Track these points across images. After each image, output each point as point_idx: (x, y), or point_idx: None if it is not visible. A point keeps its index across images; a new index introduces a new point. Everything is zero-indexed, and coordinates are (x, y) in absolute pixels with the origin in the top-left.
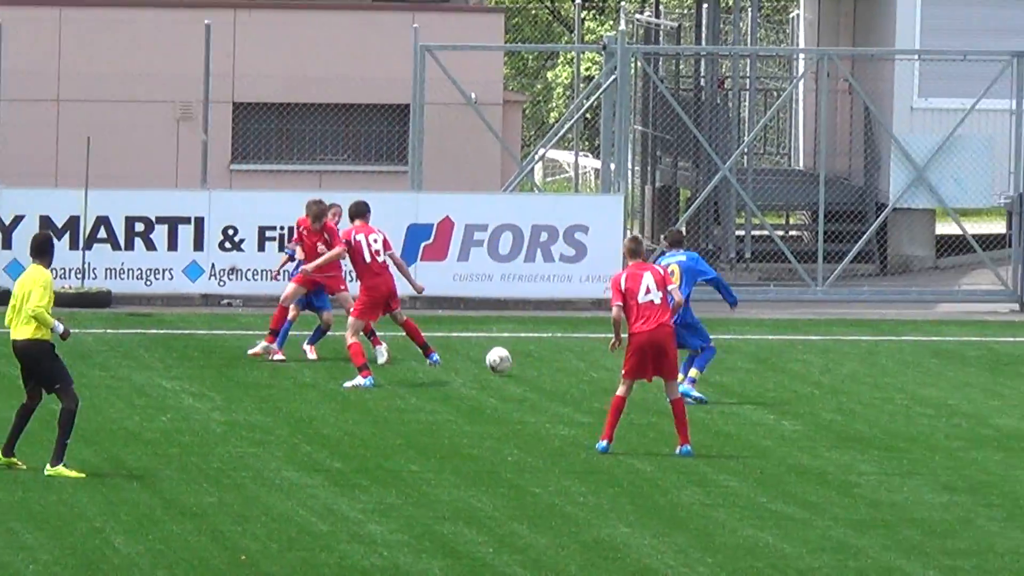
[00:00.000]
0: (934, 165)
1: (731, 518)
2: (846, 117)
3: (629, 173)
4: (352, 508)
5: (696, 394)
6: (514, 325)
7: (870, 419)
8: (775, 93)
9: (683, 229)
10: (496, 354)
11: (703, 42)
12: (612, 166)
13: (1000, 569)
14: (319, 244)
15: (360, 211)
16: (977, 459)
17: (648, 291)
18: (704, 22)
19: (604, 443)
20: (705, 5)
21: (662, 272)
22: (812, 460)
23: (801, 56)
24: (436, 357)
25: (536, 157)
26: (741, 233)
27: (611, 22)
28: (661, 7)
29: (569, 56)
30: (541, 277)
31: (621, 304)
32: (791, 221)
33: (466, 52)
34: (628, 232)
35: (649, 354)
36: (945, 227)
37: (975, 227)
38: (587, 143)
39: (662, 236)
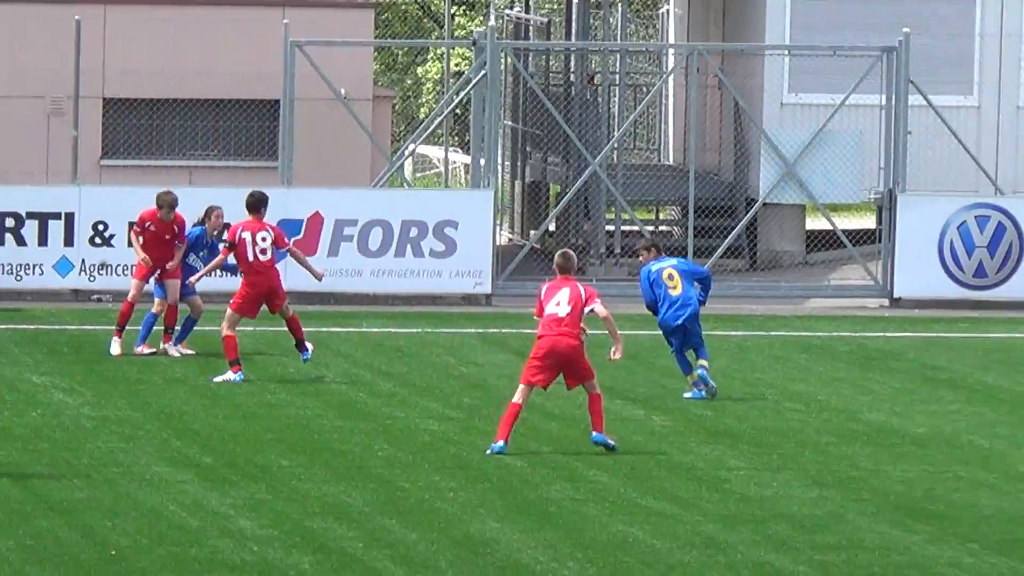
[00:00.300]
0: (804, 160)
1: (601, 513)
2: (716, 112)
3: (499, 169)
4: (222, 503)
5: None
6: (384, 320)
7: (740, 414)
8: (645, 89)
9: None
10: None
11: (573, 38)
12: (482, 161)
13: (870, 564)
14: (167, 235)
15: (253, 205)
16: (847, 454)
17: (558, 304)
18: (574, 18)
19: (500, 443)
20: (575, 1)
21: (584, 293)
22: (682, 455)
23: (671, 51)
24: (309, 354)
25: (406, 152)
26: (611, 228)
27: (481, 18)
28: (531, 3)
29: (439, 52)
30: (411, 272)
31: (538, 318)
32: (661, 216)
33: (336, 47)
34: (499, 227)
35: (548, 362)
36: (815, 222)
37: (845, 222)
38: (457, 139)
39: (641, 249)
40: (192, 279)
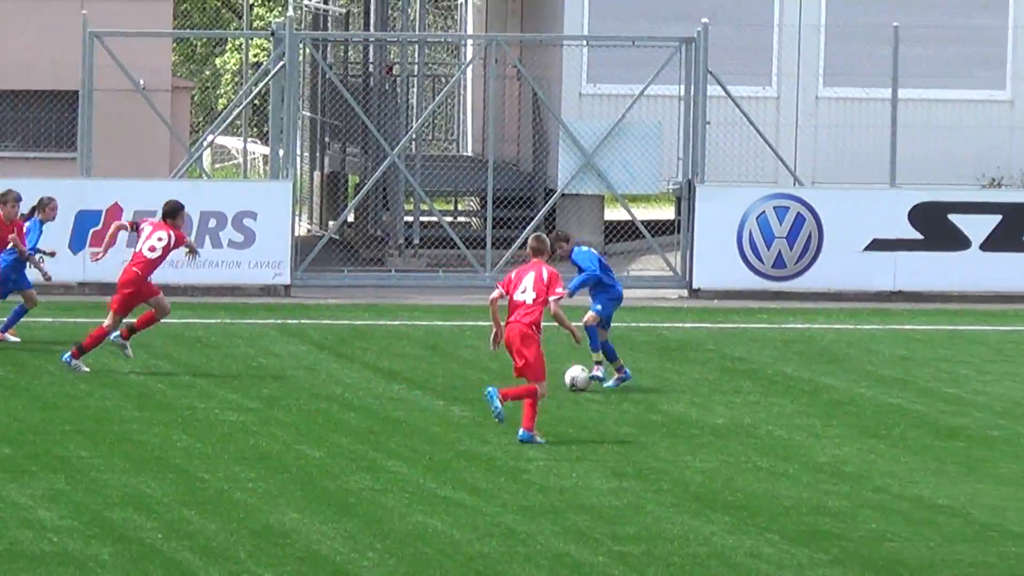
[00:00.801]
0: (603, 151)
1: (400, 504)
2: (515, 103)
3: (298, 160)
4: (21, 494)
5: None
6: (183, 311)
7: (539, 405)
8: (444, 79)
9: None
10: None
11: (371, 28)
12: (281, 152)
13: (669, 554)
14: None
15: (168, 212)
16: (646, 445)
17: (524, 291)
18: (372, 8)
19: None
20: None
21: (547, 278)
22: (481, 446)
23: (469, 42)
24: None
25: (205, 144)
26: (410, 219)
27: (280, 9)
28: None
29: (238, 43)
30: (210, 263)
31: (502, 292)
32: (460, 207)
33: (135, 38)
34: (298, 218)
35: (510, 349)
36: (614, 213)
37: (644, 213)
38: (256, 129)
39: (561, 241)
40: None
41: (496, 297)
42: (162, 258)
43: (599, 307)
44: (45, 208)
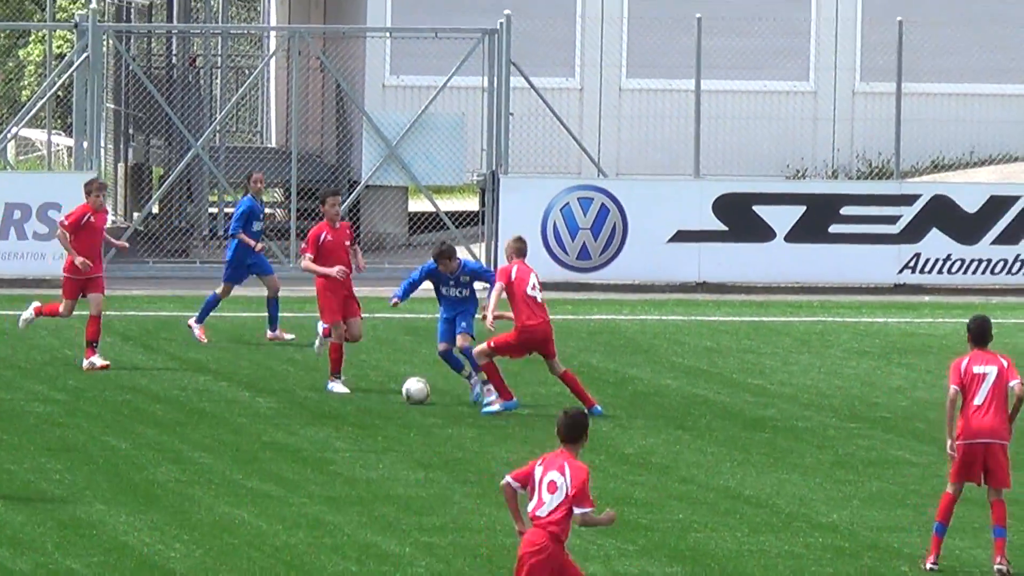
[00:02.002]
0: (406, 143)
1: (207, 495)
2: (318, 95)
3: (102, 151)
4: None
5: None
6: None
7: (344, 397)
8: (247, 71)
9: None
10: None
11: (175, 20)
12: (85, 144)
13: (476, 545)
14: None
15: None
16: (452, 436)
17: (534, 287)
18: (175, 0)
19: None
20: None
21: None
22: (287, 437)
23: (272, 34)
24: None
25: (9, 135)
26: (214, 211)
27: (83, 0)
28: None
29: (41, 34)
30: (14, 255)
31: (503, 285)
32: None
33: None
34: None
35: (532, 345)
36: (418, 204)
37: (448, 204)
38: (60, 121)
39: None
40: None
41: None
42: None
43: (465, 324)
44: (250, 183)
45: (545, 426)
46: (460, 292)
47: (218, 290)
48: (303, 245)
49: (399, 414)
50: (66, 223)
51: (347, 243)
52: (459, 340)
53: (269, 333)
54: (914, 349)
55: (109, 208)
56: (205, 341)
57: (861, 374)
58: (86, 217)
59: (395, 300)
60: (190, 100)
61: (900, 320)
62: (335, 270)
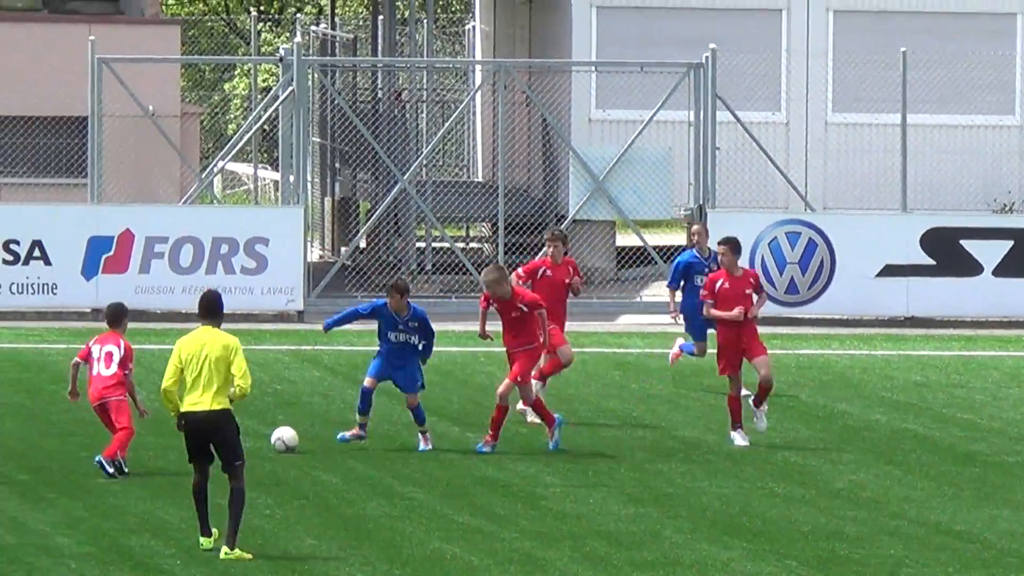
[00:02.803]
0: (613, 177)
1: (418, 530)
2: (524, 129)
3: (309, 185)
4: (39, 521)
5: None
6: None
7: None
8: (453, 105)
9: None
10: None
11: (379, 54)
12: (291, 178)
13: None
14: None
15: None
16: (662, 471)
17: None
18: (380, 34)
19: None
20: (381, 17)
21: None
22: (498, 472)
23: (477, 68)
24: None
25: (215, 169)
26: (422, 245)
27: (287, 34)
28: (337, 19)
29: (246, 68)
30: (222, 289)
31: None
32: (471, 233)
33: (143, 64)
34: (310, 244)
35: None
36: (626, 239)
37: (655, 239)
38: (266, 155)
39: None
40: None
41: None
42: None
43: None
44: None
45: (759, 463)
46: (407, 338)
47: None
48: (519, 272)
49: (609, 448)
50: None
51: (567, 280)
52: (410, 399)
53: None
54: None
55: (310, 241)
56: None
57: None
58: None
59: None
60: (396, 134)
61: None
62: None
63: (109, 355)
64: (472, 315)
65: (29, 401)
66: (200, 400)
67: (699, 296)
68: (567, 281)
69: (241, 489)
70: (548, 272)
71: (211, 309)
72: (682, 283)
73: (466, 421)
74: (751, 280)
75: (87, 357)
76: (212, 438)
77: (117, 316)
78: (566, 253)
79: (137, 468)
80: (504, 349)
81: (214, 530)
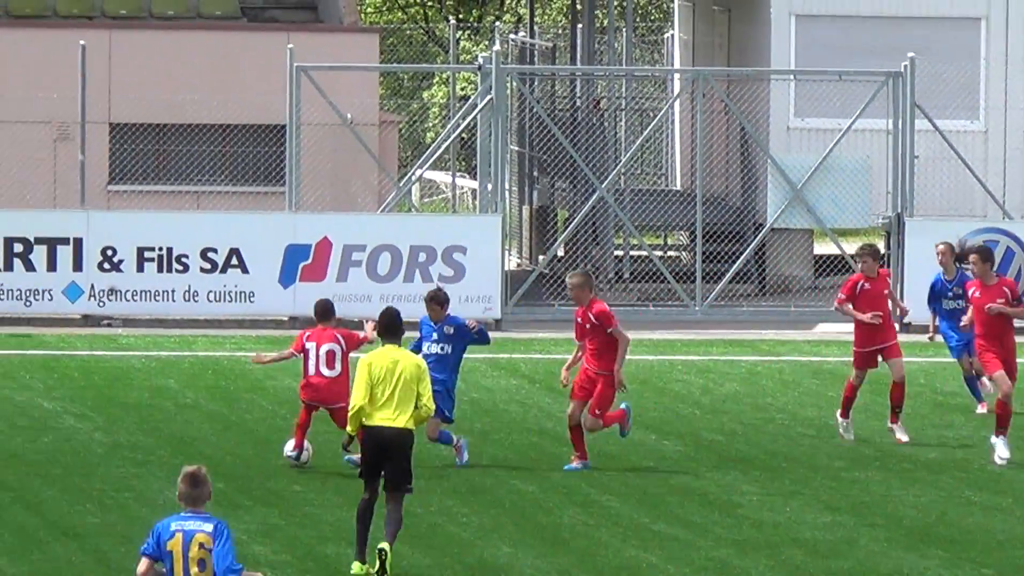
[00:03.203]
0: (811, 185)
1: (614, 539)
2: (722, 137)
3: (507, 194)
4: (236, 528)
5: None
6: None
7: (751, 439)
8: (651, 113)
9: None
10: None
11: (578, 62)
12: (489, 187)
13: None
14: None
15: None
16: (859, 479)
17: None
18: (579, 42)
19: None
20: (580, 25)
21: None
22: (694, 480)
23: (676, 76)
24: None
25: (413, 177)
26: (620, 253)
27: (486, 43)
28: (536, 28)
29: (444, 76)
30: (420, 297)
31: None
32: (669, 241)
33: (341, 72)
34: (507, 252)
35: None
36: (824, 247)
37: (853, 247)
38: (464, 163)
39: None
40: None
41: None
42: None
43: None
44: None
45: (956, 472)
46: (441, 348)
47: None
48: (840, 296)
49: (806, 457)
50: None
51: (885, 291)
52: (430, 430)
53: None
54: None
55: (507, 249)
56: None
57: None
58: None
59: None
60: (594, 142)
61: None
62: (868, 316)
63: (331, 354)
64: (672, 324)
65: (226, 409)
66: (393, 418)
67: (952, 319)
68: (885, 292)
69: (400, 515)
70: (866, 285)
71: (394, 328)
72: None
73: (663, 429)
74: (1004, 289)
75: (302, 350)
76: (393, 456)
77: (327, 311)
78: (882, 265)
79: (334, 475)
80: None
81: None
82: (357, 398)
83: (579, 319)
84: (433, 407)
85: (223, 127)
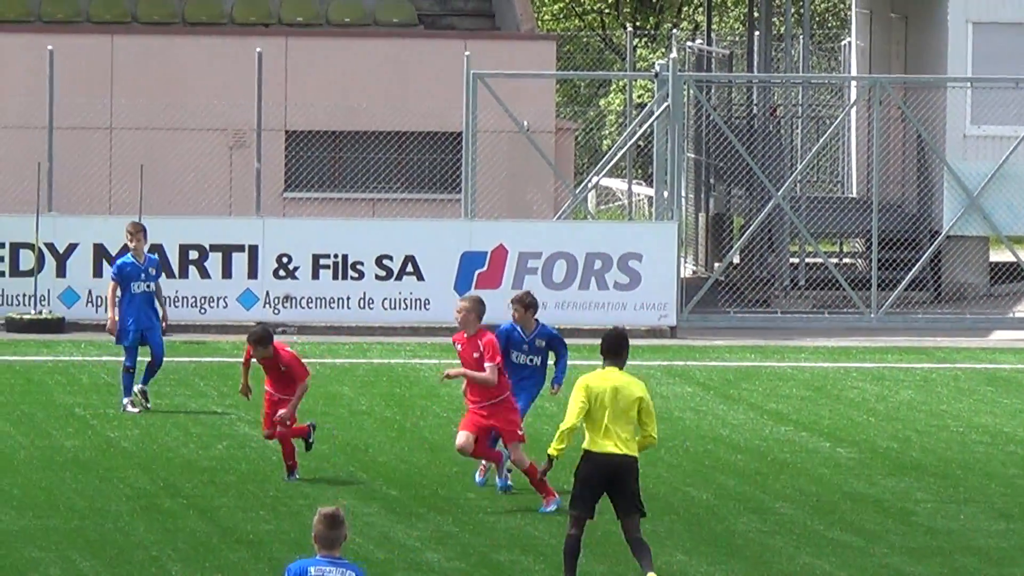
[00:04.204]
0: (987, 192)
1: (788, 545)
2: (898, 144)
3: (683, 201)
4: (408, 536)
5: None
6: (570, 353)
7: (926, 446)
8: (827, 121)
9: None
10: None
11: (755, 70)
12: (665, 194)
13: None
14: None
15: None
16: None
17: None
18: (756, 49)
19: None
20: (757, 33)
21: None
22: (868, 487)
23: (853, 83)
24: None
25: (589, 185)
26: (795, 260)
27: (663, 50)
28: (713, 35)
29: (621, 83)
30: (595, 305)
31: None
32: (844, 248)
33: (518, 79)
34: (683, 259)
35: None
36: (999, 254)
37: None
38: (640, 171)
39: None
40: None
41: None
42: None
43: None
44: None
45: None
46: (530, 360)
47: None
48: None
49: (980, 464)
50: None
51: None
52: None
53: None
54: None
55: (683, 256)
56: None
57: None
58: None
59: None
60: (770, 150)
61: None
62: None
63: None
64: (847, 331)
65: (400, 416)
66: (618, 445)
67: None
68: None
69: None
70: None
71: (619, 349)
72: None
73: (837, 436)
74: None
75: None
76: (620, 483)
77: (263, 339)
78: None
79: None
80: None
81: None
82: (572, 417)
83: (460, 345)
84: (657, 438)
85: (399, 134)
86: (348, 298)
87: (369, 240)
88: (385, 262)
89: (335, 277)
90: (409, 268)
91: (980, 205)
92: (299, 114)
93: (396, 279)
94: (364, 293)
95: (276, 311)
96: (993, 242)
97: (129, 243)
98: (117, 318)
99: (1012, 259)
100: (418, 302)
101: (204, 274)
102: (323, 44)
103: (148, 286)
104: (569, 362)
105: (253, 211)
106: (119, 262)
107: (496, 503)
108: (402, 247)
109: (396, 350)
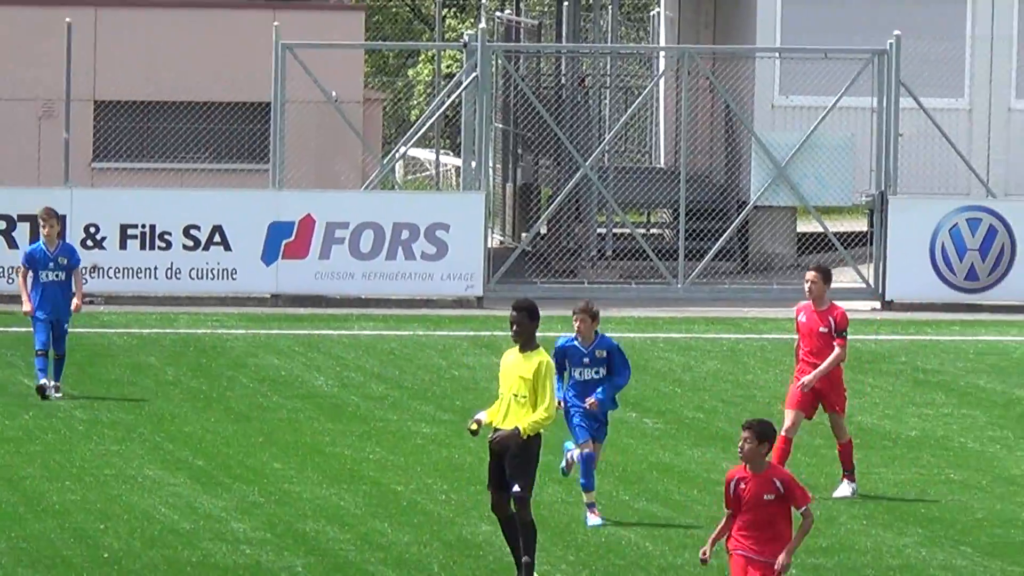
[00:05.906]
0: (795, 163)
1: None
2: (707, 115)
3: (490, 171)
4: (214, 506)
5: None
6: (375, 323)
7: (732, 417)
8: (636, 91)
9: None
10: None
11: (563, 40)
12: (473, 164)
13: (863, 566)
14: None
15: None
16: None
17: None
18: (564, 20)
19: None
20: (565, 3)
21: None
22: (674, 458)
23: (661, 54)
24: None
25: (397, 155)
26: (603, 231)
27: (471, 20)
28: (522, 5)
29: (430, 54)
30: (402, 275)
31: None
32: (652, 219)
33: (327, 50)
34: (490, 230)
35: None
36: (807, 225)
37: (836, 225)
38: (448, 141)
39: None
40: None
41: None
42: None
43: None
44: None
45: (936, 450)
46: (596, 372)
47: None
48: None
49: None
50: None
51: None
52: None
53: None
54: None
55: (490, 227)
56: None
57: None
58: None
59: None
60: (579, 120)
61: None
62: None
63: None
64: (654, 301)
65: (207, 386)
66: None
67: None
68: None
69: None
70: None
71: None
72: None
73: (645, 407)
74: None
75: None
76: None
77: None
78: None
79: (313, 453)
80: None
81: None
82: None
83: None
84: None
85: (207, 104)
86: (155, 268)
87: (177, 210)
88: (192, 232)
89: (143, 247)
90: (217, 238)
91: (788, 175)
92: (108, 84)
93: (203, 249)
94: (172, 263)
95: (84, 281)
96: (800, 212)
97: (42, 229)
98: (32, 304)
99: (819, 229)
100: (225, 272)
101: (12, 244)
102: (132, 14)
103: (58, 275)
104: (374, 333)
105: (61, 181)
106: (29, 249)
107: (302, 474)
108: (210, 217)
109: (203, 320)
